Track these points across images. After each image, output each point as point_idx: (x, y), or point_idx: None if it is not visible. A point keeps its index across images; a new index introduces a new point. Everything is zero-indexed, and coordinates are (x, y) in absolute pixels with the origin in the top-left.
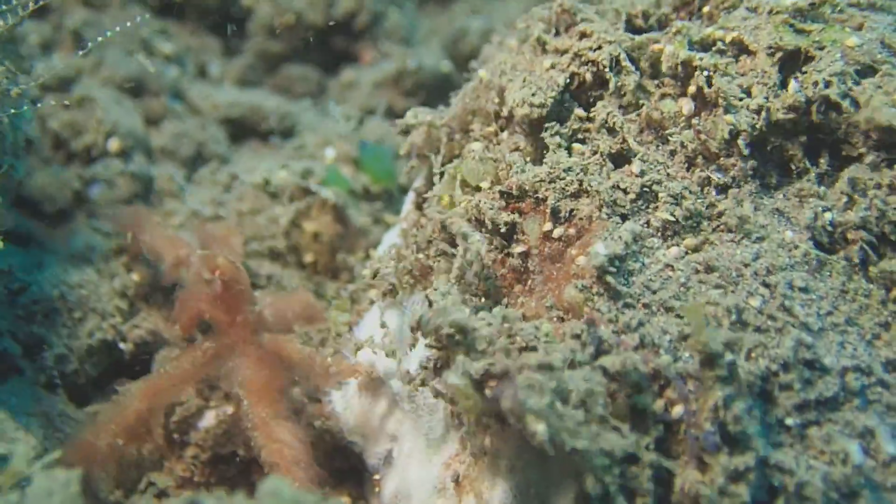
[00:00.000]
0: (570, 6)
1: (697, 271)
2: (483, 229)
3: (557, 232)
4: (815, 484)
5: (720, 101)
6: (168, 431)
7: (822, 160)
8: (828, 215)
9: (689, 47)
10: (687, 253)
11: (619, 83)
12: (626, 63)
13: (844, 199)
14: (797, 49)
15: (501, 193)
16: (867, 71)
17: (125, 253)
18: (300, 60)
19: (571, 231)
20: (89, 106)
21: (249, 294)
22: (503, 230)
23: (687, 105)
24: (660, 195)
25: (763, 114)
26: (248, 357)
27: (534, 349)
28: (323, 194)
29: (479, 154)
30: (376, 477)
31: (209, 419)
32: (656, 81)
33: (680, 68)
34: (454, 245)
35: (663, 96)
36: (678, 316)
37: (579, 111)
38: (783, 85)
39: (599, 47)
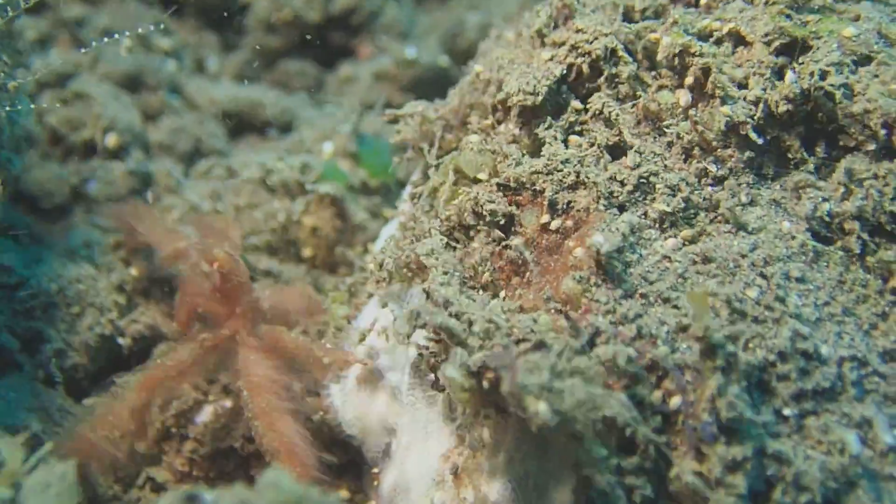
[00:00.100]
0: (569, 1)
1: (695, 262)
2: (481, 221)
3: (555, 224)
4: (812, 474)
5: (717, 92)
6: (166, 425)
7: (819, 150)
8: (825, 206)
9: (687, 38)
10: (684, 244)
11: (616, 74)
12: (622, 54)
13: (842, 189)
14: (794, 39)
15: (499, 185)
16: (864, 61)
17: (123, 247)
18: (298, 55)
19: (569, 223)
20: (87, 101)
21: (248, 286)
22: (501, 222)
23: (684, 96)
24: (657, 187)
25: (760, 105)
26: (247, 348)
27: (529, 340)
28: (321, 189)
29: (477, 146)
30: (375, 470)
31: (207, 413)
32: (653, 73)
33: (677, 59)
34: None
35: (660, 88)
36: (676, 307)
37: (576, 103)
38: (780, 76)
39: (596, 39)
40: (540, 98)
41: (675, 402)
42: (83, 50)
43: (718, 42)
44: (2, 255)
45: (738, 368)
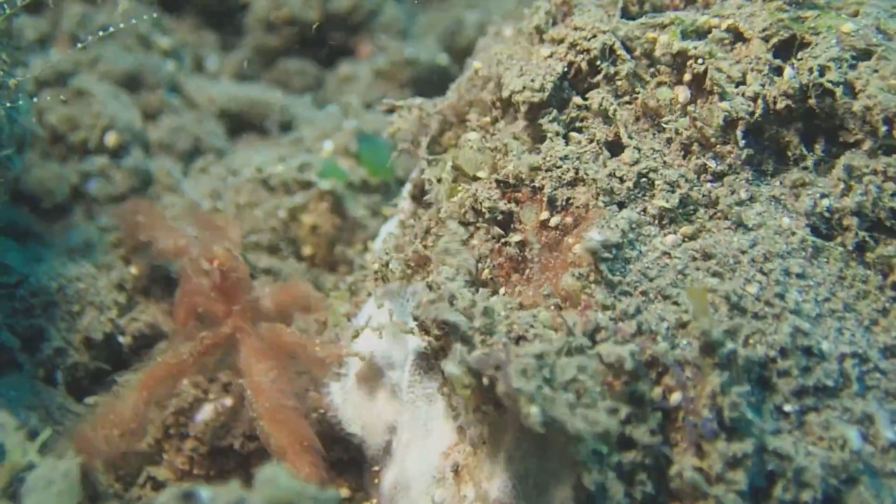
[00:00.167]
0: None
1: (694, 258)
2: (480, 219)
3: (554, 221)
4: (813, 470)
5: (715, 88)
6: (166, 424)
7: (818, 147)
8: (825, 202)
9: (684, 35)
10: (684, 240)
11: (614, 72)
12: (620, 52)
13: (841, 185)
14: (792, 36)
15: (498, 183)
16: (863, 56)
17: (123, 246)
18: (298, 55)
19: (568, 220)
20: (87, 100)
21: (248, 283)
22: (500, 219)
23: (683, 93)
24: (656, 183)
25: (759, 101)
26: (248, 347)
27: (530, 338)
28: (321, 186)
29: (477, 143)
30: (375, 468)
31: (207, 412)
32: (652, 70)
33: (675, 56)
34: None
35: (659, 84)
36: (675, 303)
37: (577, 99)
38: (779, 72)
39: (594, 36)
40: (546, 94)
41: (676, 398)
42: (79, 45)
43: (717, 39)
44: (2, 254)
45: (739, 365)
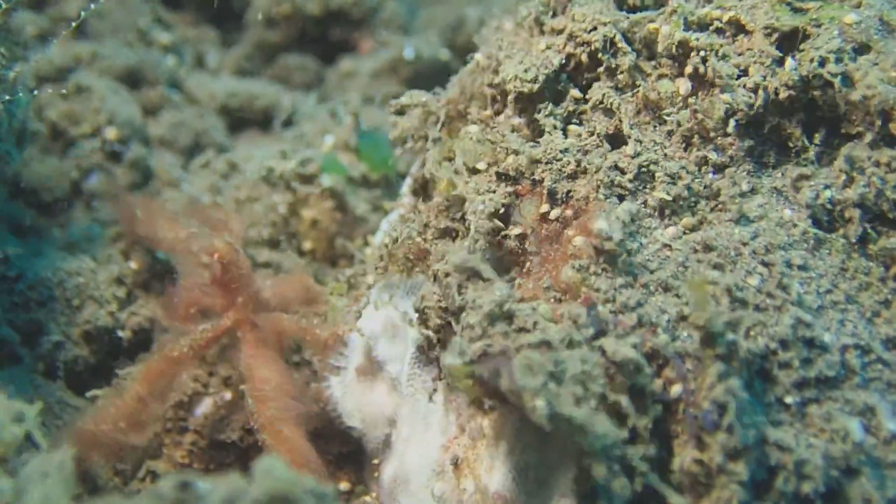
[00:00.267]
0: None
1: (695, 251)
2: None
3: (554, 213)
4: (814, 462)
5: (717, 80)
6: (166, 417)
7: (819, 138)
8: (826, 193)
9: (686, 27)
10: (685, 232)
11: (615, 64)
12: (621, 44)
13: (843, 176)
14: (795, 28)
15: (498, 175)
16: (864, 48)
17: (123, 240)
18: (298, 50)
19: (568, 212)
20: (87, 95)
21: (248, 276)
22: (500, 212)
23: (684, 85)
24: (657, 175)
25: (760, 92)
26: (249, 345)
27: (530, 330)
28: (322, 181)
29: (477, 135)
30: (375, 461)
31: (207, 405)
32: (653, 62)
33: (676, 48)
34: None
35: (660, 77)
36: (676, 295)
37: (575, 92)
38: (780, 63)
39: (594, 28)
40: (537, 86)
41: (676, 390)
42: (73, 23)
43: (718, 31)
44: (2, 247)
45: (739, 357)
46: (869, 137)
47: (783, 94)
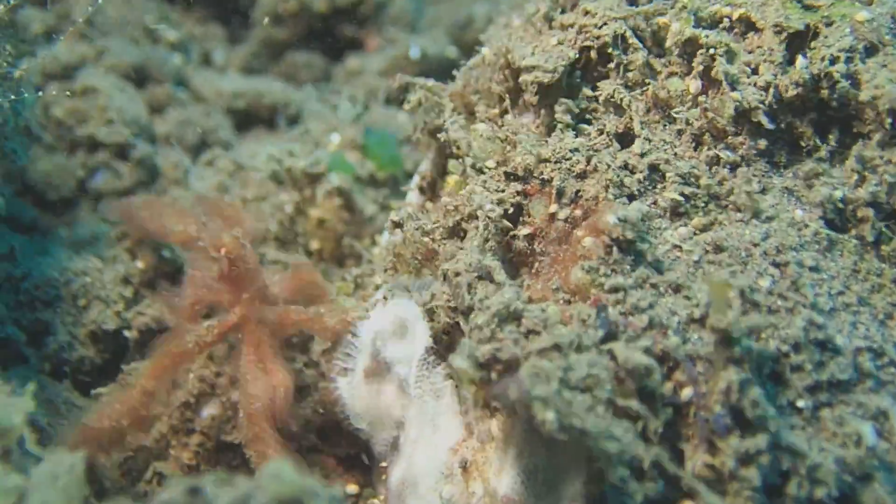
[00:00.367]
0: None
1: (706, 251)
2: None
3: (563, 213)
4: (827, 466)
5: (727, 78)
6: (172, 419)
7: (832, 137)
8: (838, 193)
9: (696, 24)
10: (695, 233)
11: (626, 61)
12: (632, 40)
13: (855, 176)
14: (806, 25)
15: (507, 174)
16: (876, 47)
17: (128, 239)
18: (305, 48)
19: (577, 212)
20: (93, 94)
21: (256, 271)
22: (509, 212)
23: (694, 83)
24: (667, 175)
25: (771, 90)
26: (250, 346)
27: (539, 333)
28: (329, 180)
29: (487, 133)
30: (383, 464)
31: (213, 406)
32: (663, 60)
33: (686, 46)
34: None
35: (670, 74)
36: (687, 297)
37: (586, 90)
38: (791, 61)
39: (605, 24)
40: (557, 76)
41: (687, 393)
42: (79, 21)
43: (729, 28)
44: (4, 244)
45: (752, 359)
46: (879, 136)
47: (793, 93)
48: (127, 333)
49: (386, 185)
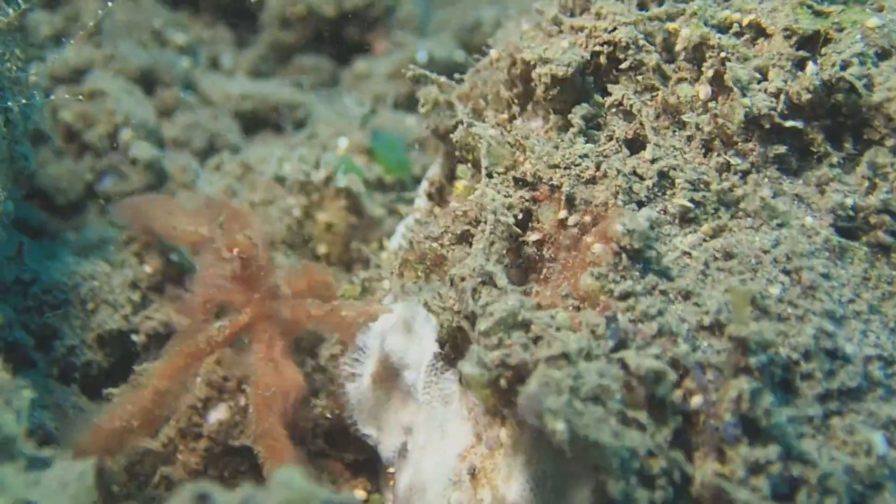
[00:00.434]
0: None
1: (716, 258)
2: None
3: (573, 219)
4: (837, 476)
5: (737, 84)
6: (179, 425)
7: (844, 144)
8: (849, 200)
9: (706, 30)
10: (705, 240)
11: (636, 66)
12: (643, 43)
13: (866, 183)
14: (816, 31)
15: (516, 180)
16: (887, 53)
17: (136, 242)
18: (313, 51)
19: (587, 218)
20: (101, 97)
21: (268, 271)
22: (518, 218)
23: (704, 89)
24: (677, 181)
25: (782, 97)
26: (262, 345)
27: (549, 340)
28: (337, 183)
29: (495, 139)
30: (391, 470)
31: (221, 411)
32: (672, 65)
33: (696, 51)
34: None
35: (680, 80)
36: (696, 304)
37: (596, 96)
38: (801, 67)
39: (615, 28)
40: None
41: (696, 401)
42: (90, 24)
43: (738, 34)
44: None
45: (764, 368)
46: (891, 142)
47: (805, 97)
48: (134, 338)
49: (394, 188)
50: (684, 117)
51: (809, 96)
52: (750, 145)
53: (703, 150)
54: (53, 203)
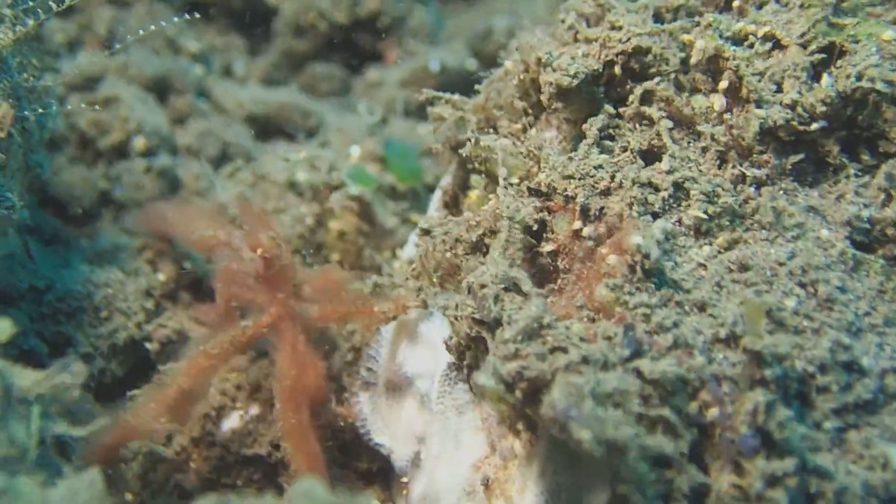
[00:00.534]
0: (604, 1)
1: (731, 270)
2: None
3: (588, 230)
4: (854, 490)
5: (752, 96)
6: (192, 435)
7: (860, 156)
8: (865, 212)
9: (721, 41)
10: (720, 252)
11: (651, 77)
12: (659, 53)
13: (882, 195)
14: (831, 43)
15: (530, 190)
16: None
17: (150, 250)
18: (325, 59)
19: (602, 229)
20: (115, 104)
21: (292, 270)
22: (533, 228)
23: (718, 100)
24: (692, 193)
25: (798, 108)
26: (286, 341)
27: (565, 350)
28: (349, 191)
29: (510, 149)
30: (404, 479)
31: (234, 420)
32: (687, 76)
33: (711, 63)
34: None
35: (694, 91)
36: (712, 316)
37: (608, 107)
38: (817, 79)
39: (629, 39)
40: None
41: (713, 413)
42: (108, 52)
43: (754, 46)
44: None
45: (779, 381)
46: None
47: (819, 111)
48: (148, 346)
49: (406, 197)
50: (699, 128)
51: (825, 108)
52: (765, 157)
53: (718, 162)
54: (67, 210)
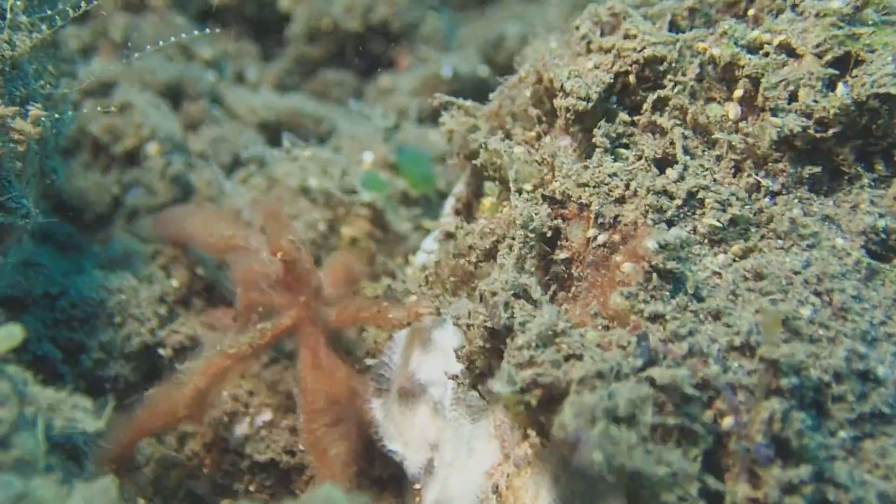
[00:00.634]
0: (620, 10)
1: (746, 279)
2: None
3: (602, 238)
4: (870, 499)
5: (767, 104)
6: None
7: (875, 166)
8: (881, 222)
9: (737, 49)
10: (735, 260)
11: (664, 85)
12: (674, 61)
13: None
14: (847, 53)
15: (544, 198)
16: None
17: (163, 255)
18: (337, 65)
19: (616, 237)
20: (128, 110)
21: (312, 273)
22: (547, 236)
23: (734, 109)
24: (706, 201)
25: (815, 117)
26: (307, 346)
27: (580, 357)
28: (362, 198)
29: (524, 156)
30: (417, 486)
31: (246, 426)
32: (702, 84)
33: (726, 71)
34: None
35: (709, 100)
36: (727, 324)
37: (623, 115)
38: (832, 88)
39: (644, 48)
40: (591, 104)
41: (728, 422)
42: (123, 62)
43: (769, 54)
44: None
45: (795, 389)
46: None
47: (834, 120)
48: (161, 351)
49: (419, 203)
50: (714, 137)
51: (840, 117)
52: (780, 165)
53: (733, 170)
54: (81, 216)
